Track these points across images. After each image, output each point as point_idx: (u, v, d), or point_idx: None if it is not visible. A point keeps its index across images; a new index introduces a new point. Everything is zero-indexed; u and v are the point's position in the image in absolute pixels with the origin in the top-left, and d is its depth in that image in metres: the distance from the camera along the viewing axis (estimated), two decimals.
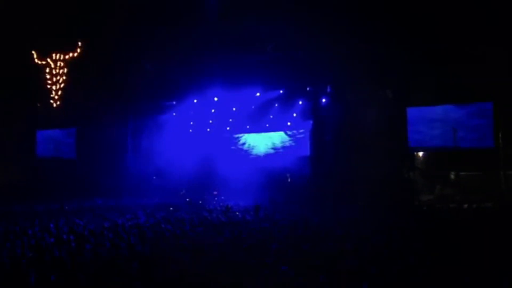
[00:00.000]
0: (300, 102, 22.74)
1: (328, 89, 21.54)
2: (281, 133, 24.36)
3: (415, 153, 20.69)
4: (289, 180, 22.72)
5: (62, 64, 27.50)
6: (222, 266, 7.15)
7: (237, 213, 14.66)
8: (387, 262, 7.58)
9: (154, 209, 17.03)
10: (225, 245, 8.80)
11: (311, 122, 22.69)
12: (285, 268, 6.78)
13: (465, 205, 16.95)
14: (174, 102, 25.03)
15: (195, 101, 24.07)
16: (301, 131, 23.62)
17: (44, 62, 27.77)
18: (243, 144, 25.30)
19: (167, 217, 13.66)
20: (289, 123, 23.67)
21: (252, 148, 25.06)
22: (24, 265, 7.54)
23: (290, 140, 24.13)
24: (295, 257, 7.82)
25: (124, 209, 17.04)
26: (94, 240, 9.50)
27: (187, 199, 20.97)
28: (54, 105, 27.68)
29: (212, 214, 14.92)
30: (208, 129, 25.29)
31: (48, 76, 27.74)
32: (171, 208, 16.80)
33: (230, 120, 24.62)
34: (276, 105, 23.26)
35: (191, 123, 25.33)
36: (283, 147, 24.20)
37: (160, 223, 12.21)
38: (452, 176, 19.96)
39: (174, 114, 25.30)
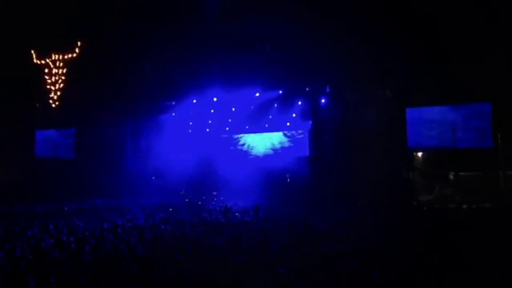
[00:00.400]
0: (300, 103, 22.75)
1: (328, 89, 21.56)
2: (281, 133, 24.34)
3: (415, 153, 20.70)
4: (288, 180, 22.71)
5: (61, 64, 27.49)
6: (222, 267, 7.13)
7: (236, 213, 14.65)
8: (387, 264, 7.57)
9: (153, 209, 17.00)
10: (225, 246, 8.79)
11: (310, 122, 22.72)
12: (283, 271, 6.75)
13: (465, 206, 16.97)
14: (173, 102, 25.04)
15: (194, 101, 24.07)
16: (300, 131, 23.61)
17: (43, 62, 27.77)
18: (243, 144, 25.28)
19: (167, 218, 13.65)
20: (288, 123, 23.64)
21: (252, 149, 25.03)
22: (24, 267, 7.52)
23: (289, 140, 24.10)
24: (295, 259, 7.80)
25: (123, 209, 17.00)
26: (94, 242, 9.48)
27: (186, 200, 20.94)
28: (53, 105, 27.69)
29: (211, 214, 14.90)
30: (208, 129, 25.27)
31: (47, 76, 27.73)
32: (171, 209, 16.77)
33: (230, 120, 24.60)
34: (276, 105, 23.26)
35: (191, 123, 25.30)
36: (283, 147, 24.17)
37: (160, 224, 12.19)
38: (452, 176, 19.97)
39: (173, 114, 25.29)
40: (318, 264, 7.54)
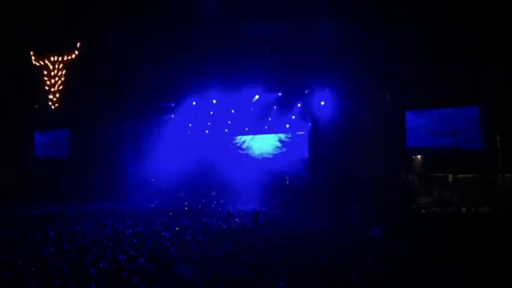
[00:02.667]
0: (299, 105, 22.76)
1: (327, 92, 21.52)
2: (280, 135, 24.36)
3: (414, 156, 20.73)
4: (287, 182, 22.75)
5: (60, 65, 27.45)
6: (223, 281, 7.16)
7: (236, 219, 14.64)
8: (388, 275, 7.61)
9: (153, 213, 17.02)
10: (226, 257, 8.82)
11: (309, 124, 22.74)
12: (282, 284, 6.78)
13: (464, 209, 17.05)
14: (172, 104, 24.99)
15: (193, 103, 24.01)
16: (300, 133, 23.65)
17: (42, 63, 27.72)
18: (242, 146, 25.30)
19: (167, 224, 13.67)
20: (287, 125, 23.68)
21: (251, 150, 25.06)
22: (27, 278, 7.54)
23: (288, 142, 24.14)
24: (295, 270, 7.83)
25: (123, 213, 16.98)
26: (96, 251, 9.49)
27: (186, 203, 20.92)
28: (53, 106, 27.63)
29: (211, 219, 14.93)
30: (207, 131, 25.27)
31: (46, 78, 27.69)
32: (171, 213, 16.77)
33: (229, 122, 24.61)
34: (275, 107, 23.27)
35: (190, 125, 25.29)
36: (282, 149, 24.22)
37: (161, 231, 12.20)
38: (450, 179, 20.02)
39: (172, 116, 25.25)
40: (319, 276, 7.60)
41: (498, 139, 18.63)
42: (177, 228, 12.30)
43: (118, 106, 26.04)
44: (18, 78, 27.59)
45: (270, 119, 23.75)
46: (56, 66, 27.48)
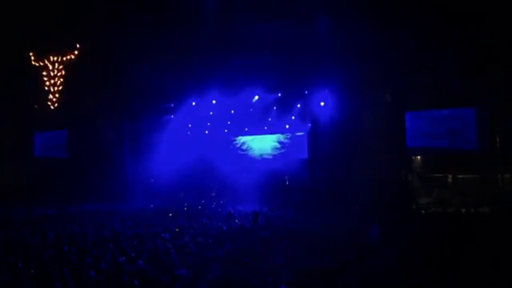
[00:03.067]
0: (298, 105, 22.74)
1: (326, 92, 21.52)
2: (280, 136, 24.35)
3: (414, 156, 20.74)
4: (287, 183, 22.74)
5: (60, 66, 27.43)
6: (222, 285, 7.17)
7: (236, 220, 14.62)
8: (388, 276, 7.62)
9: (153, 214, 17.02)
10: (225, 260, 8.81)
11: (309, 125, 22.73)
12: None
13: (463, 209, 17.06)
14: (172, 105, 24.97)
15: (193, 103, 23.99)
16: (299, 134, 23.63)
17: (42, 64, 27.71)
18: (241, 146, 25.29)
19: (167, 225, 13.66)
20: (287, 126, 23.67)
21: (250, 151, 25.05)
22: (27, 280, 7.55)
23: (288, 143, 24.14)
24: (295, 272, 7.83)
25: (123, 214, 16.98)
26: (96, 253, 9.48)
27: (185, 204, 20.91)
28: (52, 107, 27.60)
29: (211, 220, 14.92)
30: (207, 132, 25.26)
31: (45, 78, 27.67)
32: (170, 214, 16.78)
33: (229, 122, 24.60)
34: (275, 108, 23.26)
35: (190, 125, 25.27)
36: (281, 150, 24.22)
37: (160, 232, 12.20)
38: (450, 179, 20.03)
39: (172, 116, 25.23)
40: (319, 277, 7.60)
41: (497, 140, 18.64)
42: (176, 229, 12.26)
43: (118, 106, 26.03)
44: (18, 78, 27.54)
45: (269, 119, 23.75)
46: (56, 66, 27.45)
